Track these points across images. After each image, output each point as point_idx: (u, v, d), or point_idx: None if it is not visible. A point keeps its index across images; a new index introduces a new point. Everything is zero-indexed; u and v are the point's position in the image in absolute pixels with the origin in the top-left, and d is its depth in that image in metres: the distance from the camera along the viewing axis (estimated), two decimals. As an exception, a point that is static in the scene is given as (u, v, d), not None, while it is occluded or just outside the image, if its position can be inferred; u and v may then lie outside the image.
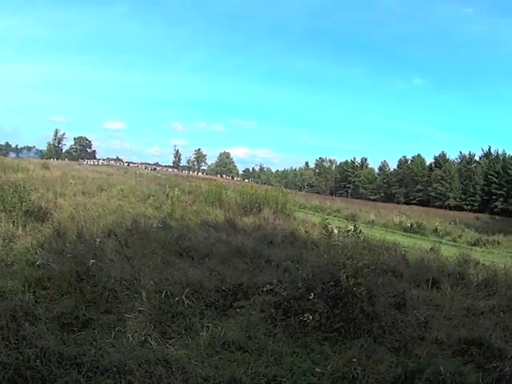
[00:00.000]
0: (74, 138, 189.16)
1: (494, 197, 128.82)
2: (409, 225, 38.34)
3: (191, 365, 7.18)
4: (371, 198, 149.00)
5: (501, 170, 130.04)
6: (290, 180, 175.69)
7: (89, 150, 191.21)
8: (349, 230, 11.00)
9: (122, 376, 6.60)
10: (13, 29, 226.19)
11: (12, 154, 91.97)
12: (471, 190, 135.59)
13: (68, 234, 14.66)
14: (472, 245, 31.57)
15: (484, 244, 32.28)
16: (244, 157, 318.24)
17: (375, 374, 7.40)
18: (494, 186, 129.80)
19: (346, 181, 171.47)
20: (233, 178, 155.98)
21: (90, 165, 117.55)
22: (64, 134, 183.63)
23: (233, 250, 14.93)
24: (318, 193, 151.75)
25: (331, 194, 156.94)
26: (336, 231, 11.27)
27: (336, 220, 28.49)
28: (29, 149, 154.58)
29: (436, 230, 37.07)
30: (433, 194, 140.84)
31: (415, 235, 33.94)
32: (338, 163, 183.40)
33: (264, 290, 10.61)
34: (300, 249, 16.02)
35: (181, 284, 10.47)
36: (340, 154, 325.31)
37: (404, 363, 7.82)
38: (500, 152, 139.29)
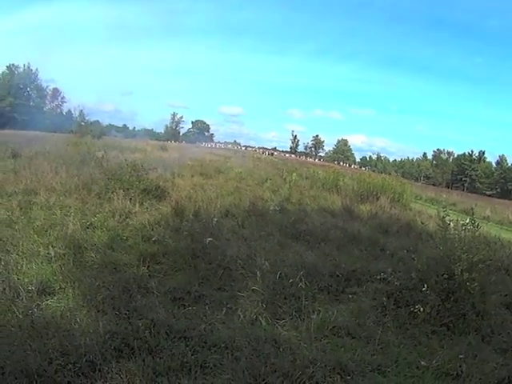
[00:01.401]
0: (192, 122, 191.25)
1: None
2: None
3: (300, 346, 7.12)
4: (487, 193, 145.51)
5: None
6: (406, 170, 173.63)
7: (206, 134, 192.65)
8: (466, 224, 10.63)
9: (229, 352, 6.60)
10: (135, 16, 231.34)
11: (114, 133, 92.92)
12: None
13: (185, 212, 14.80)
14: None
15: None
16: (361, 145, 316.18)
17: (480, 373, 7.13)
18: None
19: (462, 174, 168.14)
20: (350, 166, 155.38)
21: (207, 147, 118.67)
22: (182, 117, 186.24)
23: (348, 237, 14.77)
24: (433, 185, 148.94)
25: (447, 186, 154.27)
26: (452, 224, 10.91)
27: (451, 213, 27.91)
28: (146, 131, 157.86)
29: None
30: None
31: (531, 235, 32.79)
32: (455, 155, 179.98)
33: (377, 278, 10.60)
34: (415, 239, 15.79)
35: (296, 266, 10.46)
36: (457, 145, 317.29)
37: (509, 366, 7.50)
38: None
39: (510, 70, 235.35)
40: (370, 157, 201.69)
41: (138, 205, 15.07)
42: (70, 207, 13.80)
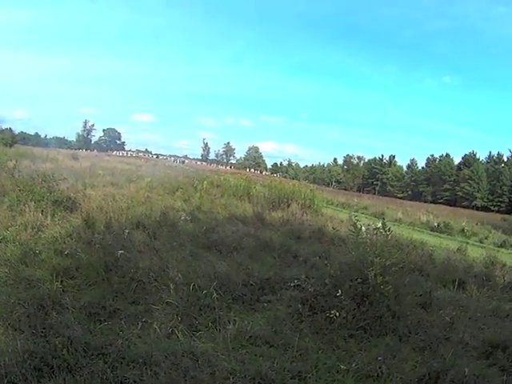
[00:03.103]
0: (103, 130, 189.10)
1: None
2: (436, 224, 38.09)
3: (218, 358, 7.17)
4: (398, 195, 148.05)
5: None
6: (317, 176, 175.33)
7: (118, 142, 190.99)
8: (377, 228, 10.91)
9: (148, 367, 6.60)
10: (45, 20, 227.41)
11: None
12: (499, 191, 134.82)
13: (97, 224, 14.69)
14: (499, 246, 31.30)
15: (511, 245, 32.09)
16: (272, 151, 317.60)
17: (400, 372, 7.37)
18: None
19: (373, 178, 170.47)
20: (261, 173, 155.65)
21: (119, 156, 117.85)
22: (93, 125, 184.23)
23: (261, 245, 14.92)
24: (345, 189, 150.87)
25: (359, 190, 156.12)
26: (364, 228, 11.19)
27: (363, 217, 28.54)
28: (58, 139, 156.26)
29: (463, 230, 36.87)
30: (460, 193, 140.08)
31: (442, 235, 33.67)
32: (366, 160, 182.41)
33: (291, 285, 10.76)
34: (328, 245, 16.11)
35: (209, 277, 10.50)
36: (368, 150, 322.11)
37: (429, 363, 7.74)
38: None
39: (420, 76, 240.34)
40: (281, 163, 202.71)
41: (49, 217, 14.87)
42: (-18, 221, 13.54)
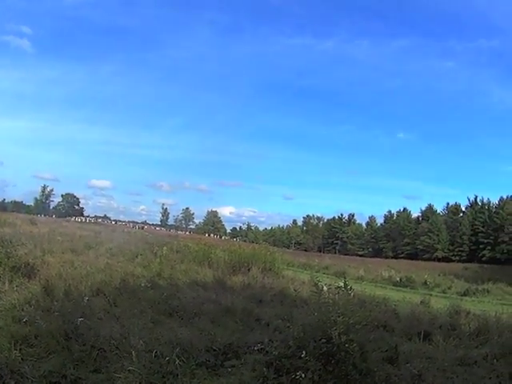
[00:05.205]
0: (62, 195, 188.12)
1: (481, 246, 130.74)
2: (398, 279, 39.08)
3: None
4: (359, 253, 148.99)
5: (487, 219, 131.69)
6: (277, 238, 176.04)
7: (76, 207, 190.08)
8: (339, 287, 10.92)
9: None
10: (1, 83, 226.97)
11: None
12: (459, 241, 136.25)
13: (56, 291, 14.46)
14: (462, 295, 32.39)
15: (474, 293, 33.26)
16: (230, 216, 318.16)
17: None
18: (480, 235, 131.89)
19: (333, 237, 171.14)
20: (221, 237, 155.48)
21: (77, 222, 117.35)
22: (52, 190, 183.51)
23: (222, 310, 14.85)
24: (305, 250, 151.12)
25: (319, 250, 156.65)
26: (326, 288, 11.18)
27: (325, 277, 28.71)
28: (16, 204, 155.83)
29: (425, 282, 37.95)
30: (420, 246, 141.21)
31: (405, 289, 34.47)
32: (325, 220, 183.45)
33: (255, 348, 10.67)
34: (290, 307, 16.09)
35: (171, 344, 10.35)
36: (327, 210, 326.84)
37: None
38: (485, 201, 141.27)
39: (375, 134, 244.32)
40: (241, 227, 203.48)
41: (7, 283, 14.68)
42: None
